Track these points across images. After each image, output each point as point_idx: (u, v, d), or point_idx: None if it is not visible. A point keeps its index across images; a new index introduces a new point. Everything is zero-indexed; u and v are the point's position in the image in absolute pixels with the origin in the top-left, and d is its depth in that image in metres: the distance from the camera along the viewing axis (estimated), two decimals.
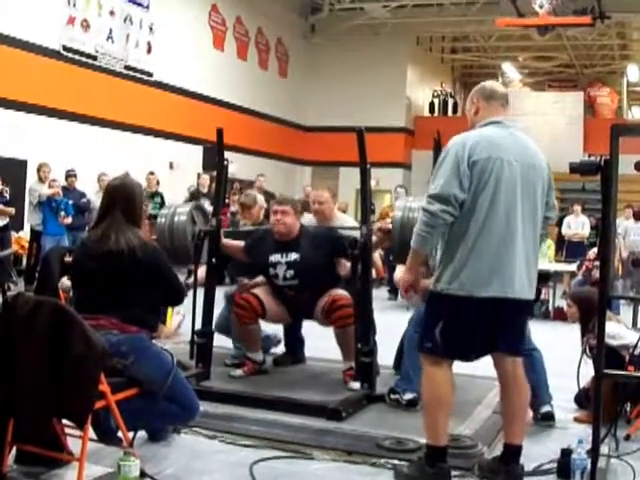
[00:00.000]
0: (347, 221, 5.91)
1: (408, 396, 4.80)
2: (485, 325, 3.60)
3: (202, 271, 5.42)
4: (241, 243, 5.49)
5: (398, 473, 3.74)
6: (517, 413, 3.76)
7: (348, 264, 5.20)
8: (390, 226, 4.93)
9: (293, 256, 5.22)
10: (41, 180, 11.36)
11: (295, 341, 6.06)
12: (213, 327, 5.49)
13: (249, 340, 5.48)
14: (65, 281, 4.84)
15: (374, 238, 5.10)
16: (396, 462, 3.85)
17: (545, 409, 4.77)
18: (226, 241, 5.43)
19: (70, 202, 11.36)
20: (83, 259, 3.90)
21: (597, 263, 10.10)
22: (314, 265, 5.18)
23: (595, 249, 11.62)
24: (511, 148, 3.61)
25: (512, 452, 3.73)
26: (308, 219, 5.84)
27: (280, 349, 6.22)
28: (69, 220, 11.23)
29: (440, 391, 3.62)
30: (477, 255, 3.51)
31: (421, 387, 3.75)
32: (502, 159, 3.54)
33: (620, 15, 18.02)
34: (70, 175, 11.85)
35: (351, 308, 5.11)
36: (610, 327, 4.67)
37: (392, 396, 4.92)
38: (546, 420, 4.76)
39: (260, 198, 6.32)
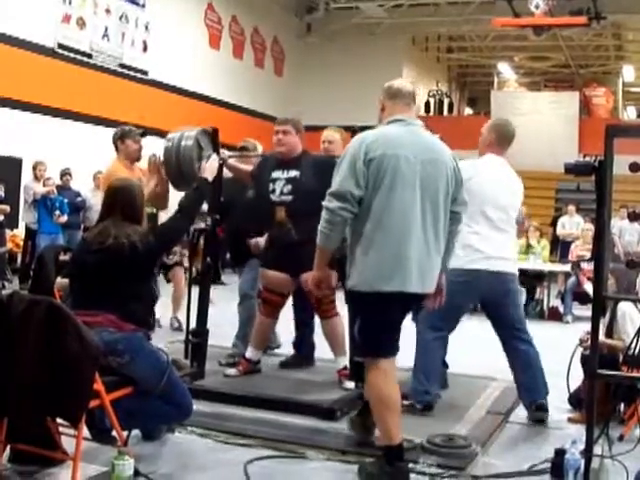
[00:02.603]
0: None
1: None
2: (396, 319, 3.66)
3: (259, 240, 5.57)
4: (247, 167, 5.53)
5: (361, 470, 3.74)
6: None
7: None
8: None
9: (293, 173, 5.20)
10: (36, 178, 11.35)
11: (307, 345, 5.97)
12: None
13: (263, 334, 5.47)
14: (60, 279, 4.83)
15: None
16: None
17: (539, 401, 4.77)
18: (232, 162, 5.44)
19: (65, 200, 11.35)
20: (82, 254, 3.89)
21: (586, 259, 10.16)
22: (312, 186, 4.96)
23: (578, 242, 11.62)
24: (410, 145, 3.61)
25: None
26: None
27: (280, 351, 6.20)
28: (64, 219, 11.22)
29: (383, 392, 3.61)
30: (376, 251, 3.55)
31: (365, 389, 3.77)
32: (398, 155, 3.55)
33: (616, 16, 18.06)
34: (65, 174, 11.84)
35: (334, 303, 5.17)
36: (630, 308, 4.72)
37: None
38: (539, 411, 4.76)
39: (260, 146, 6.33)
